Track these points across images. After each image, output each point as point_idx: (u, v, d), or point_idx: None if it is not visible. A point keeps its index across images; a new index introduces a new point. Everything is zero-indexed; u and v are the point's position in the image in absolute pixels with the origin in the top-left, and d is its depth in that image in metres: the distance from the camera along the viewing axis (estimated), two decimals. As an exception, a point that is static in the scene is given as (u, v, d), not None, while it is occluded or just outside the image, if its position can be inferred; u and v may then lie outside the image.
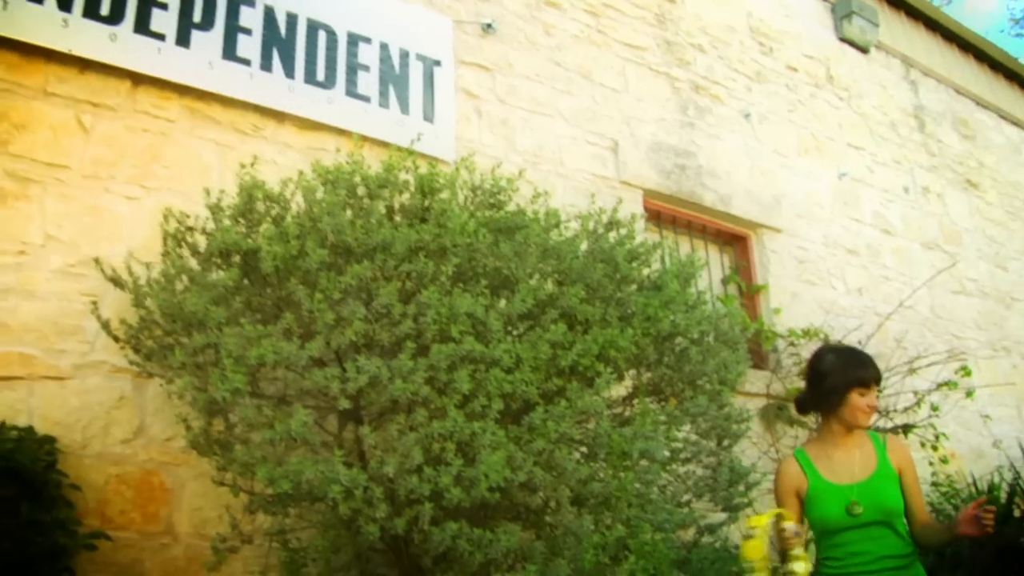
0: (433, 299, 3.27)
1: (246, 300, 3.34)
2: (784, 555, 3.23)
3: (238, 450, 3.24)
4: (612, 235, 4.06)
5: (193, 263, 3.71)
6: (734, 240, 7.26)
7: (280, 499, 3.32)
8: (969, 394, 6.59)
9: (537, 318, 3.60)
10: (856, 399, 3.42)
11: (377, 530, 3.12)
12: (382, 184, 3.59)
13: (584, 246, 3.96)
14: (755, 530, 3.16)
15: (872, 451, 3.44)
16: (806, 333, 6.56)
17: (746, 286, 7.08)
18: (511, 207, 3.90)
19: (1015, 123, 10.81)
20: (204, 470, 4.02)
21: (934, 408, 6.67)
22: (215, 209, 3.74)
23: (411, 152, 3.75)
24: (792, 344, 6.55)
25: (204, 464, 3.97)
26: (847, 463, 3.42)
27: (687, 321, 3.91)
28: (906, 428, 6.45)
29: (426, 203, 3.61)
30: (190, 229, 3.76)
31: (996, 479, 6.42)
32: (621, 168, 6.37)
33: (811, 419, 6.40)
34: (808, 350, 6.60)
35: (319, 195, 3.52)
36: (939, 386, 6.61)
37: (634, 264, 3.93)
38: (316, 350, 3.14)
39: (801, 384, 6.43)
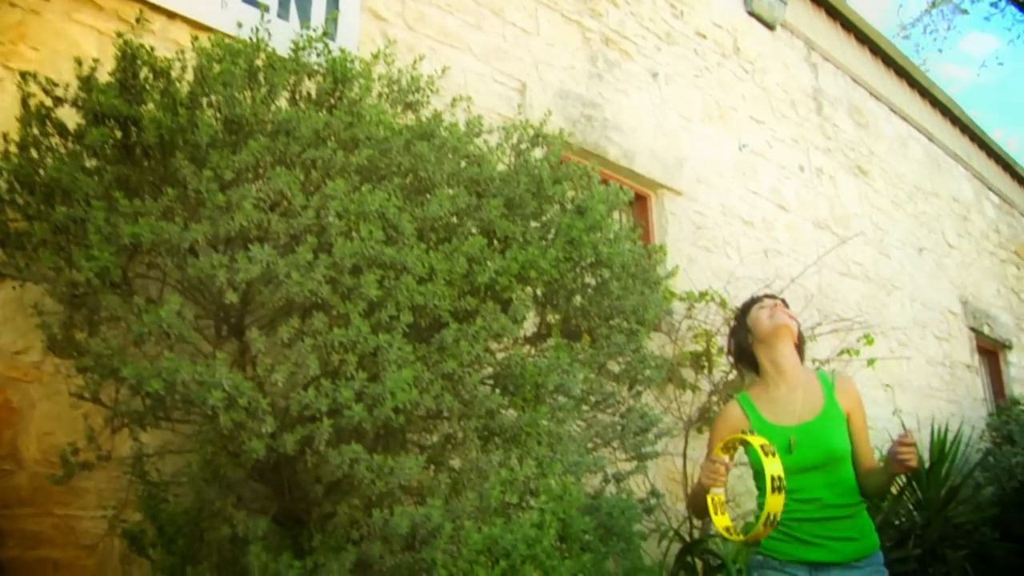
0: (340, 191, 2.86)
1: (122, 175, 2.85)
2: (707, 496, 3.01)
3: (98, 344, 2.74)
4: (537, 152, 3.72)
5: (59, 142, 3.18)
6: (635, 198, 7.02)
7: (150, 410, 2.87)
8: (871, 362, 6.53)
9: (454, 230, 3.24)
10: (756, 313, 3.30)
11: (263, 447, 2.70)
12: (289, 68, 3.15)
13: (507, 160, 3.61)
14: (781, 479, 2.82)
15: (819, 391, 3.18)
16: (703, 296, 6.37)
17: (644, 246, 6.85)
18: (428, 113, 3.52)
19: (904, 118, 10.95)
20: (59, 389, 3.54)
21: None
22: (88, 81, 3.21)
23: (322, 37, 3.33)
24: (691, 307, 6.35)
25: (60, 382, 3.49)
26: (790, 403, 3.17)
27: (611, 251, 3.60)
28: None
29: (337, 92, 3.19)
30: (58, 100, 3.20)
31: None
32: (528, 111, 6.03)
33: (702, 382, 6.28)
34: (705, 314, 6.44)
35: (216, 69, 3.05)
36: (840, 353, 6.52)
37: (558, 186, 3.59)
38: (202, 234, 2.69)
39: (695, 347, 6.37)
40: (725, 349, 3.54)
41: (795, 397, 3.17)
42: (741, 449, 3.08)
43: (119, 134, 2.98)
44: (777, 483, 2.80)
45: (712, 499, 3.00)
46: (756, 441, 2.87)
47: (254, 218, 2.74)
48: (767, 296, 3.38)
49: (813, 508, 3.03)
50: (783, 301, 3.33)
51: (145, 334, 2.59)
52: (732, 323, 3.46)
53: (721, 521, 2.97)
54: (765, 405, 3.20)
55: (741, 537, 2.95)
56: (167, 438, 3.44)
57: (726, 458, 2.95)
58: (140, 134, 2.88)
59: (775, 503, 2.80)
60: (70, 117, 3.19)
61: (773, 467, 2.80)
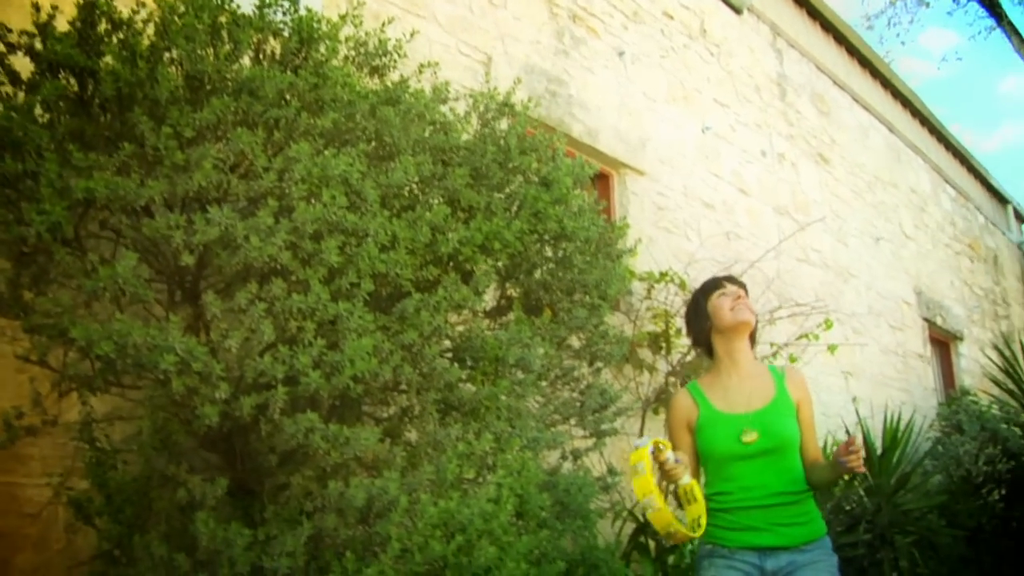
0: (303, 154, 2.78)
1: (76, 128, 2.74)
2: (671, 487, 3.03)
3: (47, 302, 2.64)
4: (503, 123, 3.65)
5: (11, 91, 3.05)
6: (596, 177, 6.98)
7: (100, 374, 2.77)
8: (831, 348, 6.55)
9: (417, 198, 3.17)
10: (717, 301, 3.24)
11: (216, 413, 2.62)
12: (254, 26, 3.05)
13: (472, 130, 3.54)
14: (640, 464, 2.87)
15: (770, 382, 3.21)
16: (663, 276, 6.35)
17: (607, 221, 6.82)
18: (395, 78, 3.44)
19: (866, 107, 10.99)
20: (3, 351, 3.41)
21: (792, 359, 6.61)
22: (44, 29, 3.07)
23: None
24: (650, 288, 6.33)
25: (4, 344, 3.36)
26: (741, 393, 3.18)
27: (575, 224, 3.56)
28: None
29: (303, 52, 3.10)
30: (11, 47, 3.05)
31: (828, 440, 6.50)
32: (492, 85, 5.96)
33: (660, 363, 6.27)
34: (664, 295, 6.43)
35: (178, 23, 2.94)
36: (799, 338, 6.54)
37: (525, 156, 3.52)
38: (159, 192, 2.59)
39: (652, 328, 6.36)
40: (684, 329, 3.51)
41: (746, 386, 3.19)
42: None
43: (75, 86, 2.87)
44: (690, 495, 2.99)
45: (684, 490, 3.02)
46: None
47: (213, 179, 2.66)
48: (728, 281, 3.33)
49: (761, 495, 3.07)
50: (744, 289, 3.31)
51: (100, 291, 2.50)
52: (690, 303, 3.41)
53: (695, 509, 3.00)
54: (716, 393, 3.21)
55: (690, 533, 2.97)
56: (116, 404, 3.34)
57: (672, 454, 2.96)
58: (97, 87, 2.77)
59: (696, 510, 2.98)
60: (24, 67, 3.07)
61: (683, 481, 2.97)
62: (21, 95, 2.96)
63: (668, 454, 2.96)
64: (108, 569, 3.07)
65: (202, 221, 2.61)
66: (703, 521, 2.99)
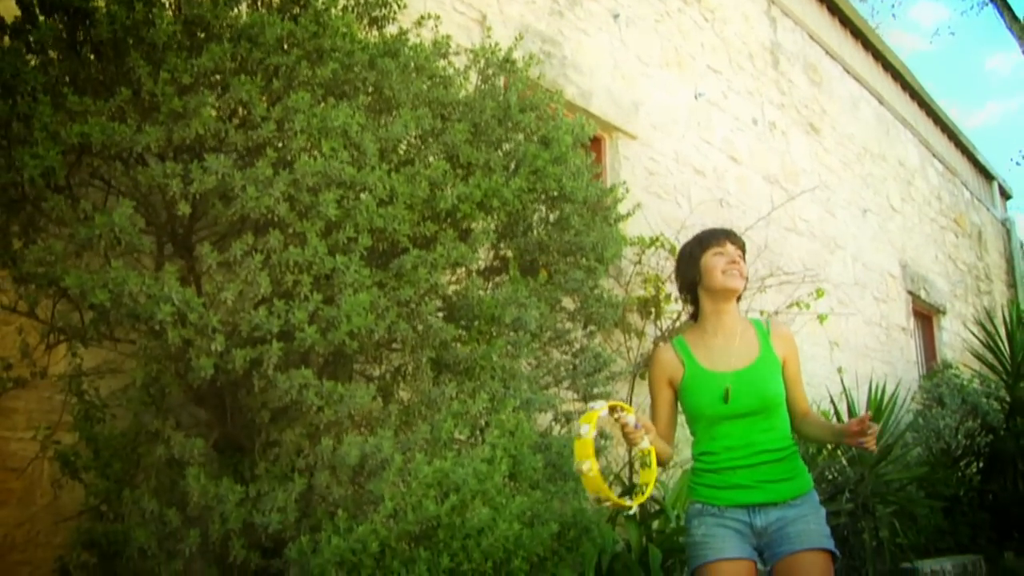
0: (303, 104, 2.71)
1: (70, 71, 2.66)
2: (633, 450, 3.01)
3: (39, 250, 2.57)
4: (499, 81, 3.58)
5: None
6: (590, 140, 6.91)
7: (92, 324, 2.71)
8: (821, 318, 6.54)
9: (418, 152, 3.11)
10: (711, 259, 3.15)
11: (211, 365, 2.57)
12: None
13: (470, 87, 3.47)
14: (585, 427, 2.83)
15: (755, 338, 3.17)
16: (654, 242, 6.31)
17: (602, 185, 6.76)
18: (394, 30, 3.36)
19: (857, 79, 10.95)
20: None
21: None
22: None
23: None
24: (642, 253, 6.29)
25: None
26: (726, 351, 3.14)
27: (574, 185, 3.50)
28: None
29: (302, 0, 3.02)
30: None
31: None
32: (487, 44, 5.88)
33: (649, 328, 6.24)
34: (655, 259, 6.40)
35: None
36: (789, 306, 6.52)
37: (525, 114, 3.46)
38: (155, 139, 2.52)
39: (643, 293, 6.33)
40: (675, 286, 3.43)
41: (731, 345, 3.15)
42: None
43: (63, 31, 2.78)
44: (646, 459, 2.98)
45: (643, 453, 3.00)
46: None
47: (211, 127, 2.58)
48: (729, 239, 3.23)
49: (748, 454, 3.06)
50: (743, 250, 3.25)
51: (95, 239, 2.43)
52: (684, 249, 3.30)
53: (645, 475, 2.99)
54: (701, 351, 3.17)
55: (623, 502, 2.95)
56: (105, 357, 3.28)
57: (632, 417, 2.93)
58: (91, 29, 2.68)
59: (646, 476, 2.98)
60: (7, 10, 2.98)
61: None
62: (7, 39, 2.87)
63: (628, 418, 2.93)
64: (95, 525, 3.02)
65: (199, 170, 2.54)
66: (649, 489, 3.00)
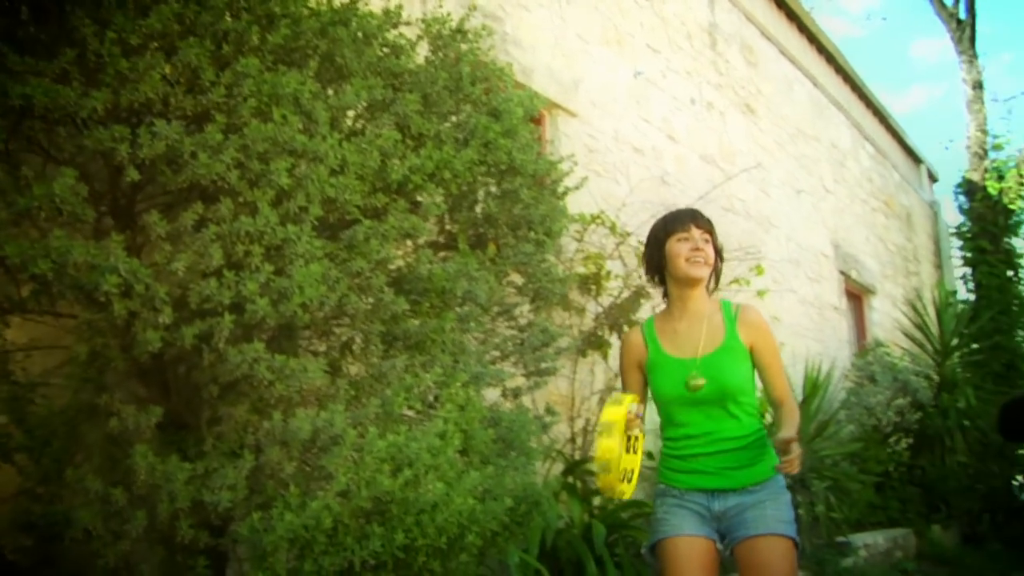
0: (252, 70, 2.64)
1: (8, 29, 2.54)
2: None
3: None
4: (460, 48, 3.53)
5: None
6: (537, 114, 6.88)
7: (33, 296, 2.61)
8: (760, 294, 6.61)
9: (368, 121, 3.04)
10: (675, 246, 3.10)
11: (158, 339, 2.49)
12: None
13: (423, 55, 3.42)
14: (612, 426, 2.85)
15: (721, 325, 3.11)
16: (595, 219, 6.31)
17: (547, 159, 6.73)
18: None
19: (791, 60, 11.05)
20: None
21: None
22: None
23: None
24: (584, 230, 6.29)
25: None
26: (691, 336, 3.11)
27: (524, 157, 3.47)
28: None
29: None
30: None
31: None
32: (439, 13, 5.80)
33: (590, 306, 6.24)
34: (596, 237, 6.40)
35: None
36: (730, 283, 6.57)
37: (476, 86, 3.41)
38: (102, 102, 2.43)
39: (582, 270, 6.32)
40: (615, 271, 3.41)
41: (697, 330, 3.10)
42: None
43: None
44: (635, 446, 3.01)
45: (634, 438, 3.01)
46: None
47: (160, 90, 2.50)
48: (695, 223, 3.17)
49: (708, 441, 3.07)
50: (711, 232, 3.22)
51: (34, 210, 2.33)
52: (651, 233, 3.26)
53: (630, 461, 2.99)
54: (666, 336, 3.15)
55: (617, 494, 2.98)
56: (35, 333, 3.16)
57: (636, 406, 2.97)
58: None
59: (630, 461, 2.97)
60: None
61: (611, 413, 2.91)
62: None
63: (632, 406, 2.95)
64: (32, 506, 2.92)
65: (147, 135, 2.45)
66: (635, 477, 3.01)
